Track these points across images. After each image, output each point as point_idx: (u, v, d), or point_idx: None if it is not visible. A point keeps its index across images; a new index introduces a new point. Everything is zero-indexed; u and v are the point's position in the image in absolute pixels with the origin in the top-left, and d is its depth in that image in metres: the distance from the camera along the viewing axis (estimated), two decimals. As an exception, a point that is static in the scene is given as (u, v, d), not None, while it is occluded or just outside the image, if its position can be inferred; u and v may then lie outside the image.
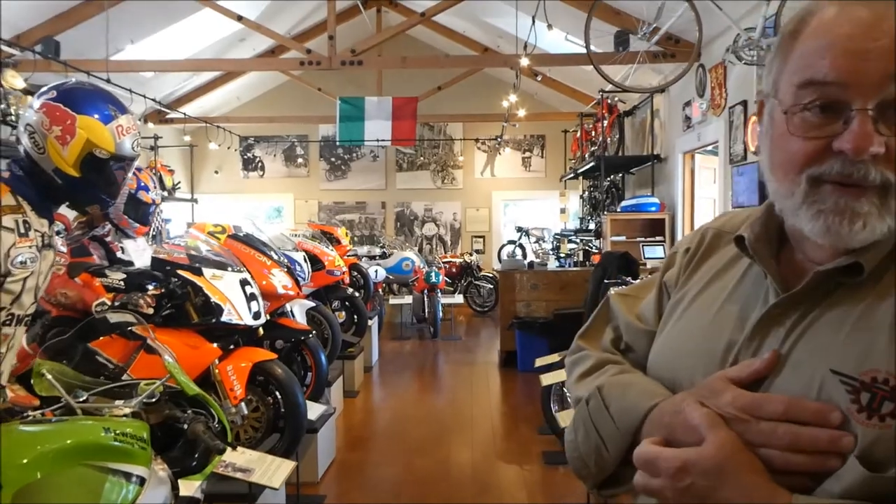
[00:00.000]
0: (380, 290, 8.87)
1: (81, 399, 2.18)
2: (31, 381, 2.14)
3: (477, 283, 11.53)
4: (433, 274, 9.30)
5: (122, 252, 3.71)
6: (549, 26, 5.79)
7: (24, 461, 1.81)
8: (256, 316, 3.42)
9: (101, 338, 3.15)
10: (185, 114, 10.96)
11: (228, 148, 12.47)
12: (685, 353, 0.92)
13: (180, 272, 3.26)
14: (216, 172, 13.31)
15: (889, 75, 0.76)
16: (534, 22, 5.55)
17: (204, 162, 13.20)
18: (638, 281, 1.19)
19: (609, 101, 9.09)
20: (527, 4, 6.83)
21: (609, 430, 0.91)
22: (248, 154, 13.42)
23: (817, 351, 0.78)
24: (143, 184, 3.56)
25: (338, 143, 11.99)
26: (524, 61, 6.31)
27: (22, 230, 1.87)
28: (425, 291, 9.35)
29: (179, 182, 11.39)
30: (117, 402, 2.20)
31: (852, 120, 0.77)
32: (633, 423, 0.88)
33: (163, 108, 10.46)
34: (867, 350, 0.75)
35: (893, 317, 0.75)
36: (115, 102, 1.98)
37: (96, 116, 1.92)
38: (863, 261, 0.78)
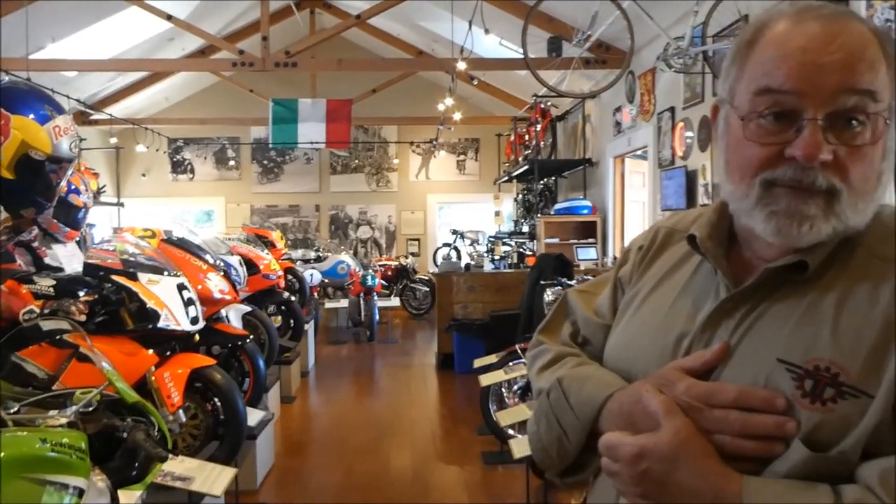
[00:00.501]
0: (315, 294, 8.78)
1: (13, 410, 2.10)
2: (-43, 393, 2.05)
3: (413, 285, 11.55)
4: (369, 277, 9.27)
5: (49, 258, 3.57)
6: (487, 31, 5.86)
7: (-43, 476, 1.74)
8: (194, 321, 3.35)
9: (30, 347, 3.03)
10: (111, 115, 10.61)
11: (157, 150, 12.14)
12: (640, 346, 0.96)
13: (115, 277, 3.16)
14: (143, 175, 12.93)
15: (840, 89, 0.81)
16: (470, 27, 5.62)
17: (130, 165, 12.81)
18: (594, 278, 1.25)
19: (542, 106, 9.26)
20: (463, 9, 6.90)
21: (569, 420, 0.95)
22: (178, 157, 13.08)
23: (765, 342, 0.83)
24: (74, 187, 3.44)
25: (270, 146, 11.83)
26: (461, 65, 6.37)
27: (-48, 235, 1.80)
28: (361, 295, 9.31)
29: (105, 185, 11.01)
30: (51, 413, 2.13)
31: (804, 128, 0.82)
32: (592, 413, 0.92)
33: (86, 109, 10.11)
34: (812, 341, 0.80)
35: (835, 310, 0.81)
36: (51, 102, 1.92)
37: (32, 117, 1.86)
38: (808, 259, 0.84)
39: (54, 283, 3.18)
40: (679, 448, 0.80)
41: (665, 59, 5.03)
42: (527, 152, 9.73)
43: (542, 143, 9.31)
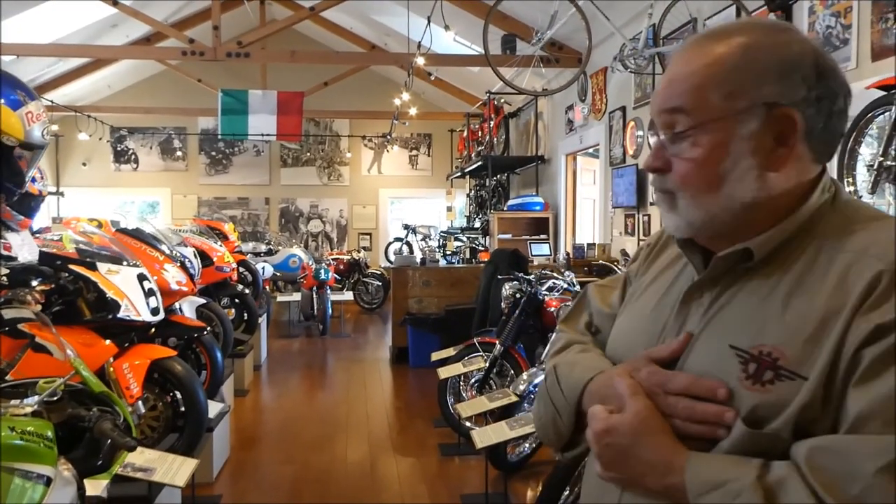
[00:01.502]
0: (267, 287, 8.69)
1: (-28, 400, 2.05)
2: (-86, 383, 2.00)
3: (365, 280, 11.52)
4: (323, 271, 9.22)
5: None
6: (447, 27, 5.89)
7: (-78, 465, 1.70)
8: (155, 312, 3.30)
9: (-17, 336, 2.94)
10: (51, 101, 10.27)
11: (100, 139, 11.81)
12: (632, 334, 1.08)
13: (72, 267, 3.09)
14: (84, 165, 12.56)
15: (657, 111, 0.97)
16: (429, 22, 5.64)
17: (70, 153, 12.42)
18: (615, 274, 1.42)
19: (496, 103, 9.35)
20: (417, 4, 6.92)
21: (561, 401, 1.07)
22: (121, 146, 12.74)
23: (722, 330, 0.92)
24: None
25: (219, 137, 11.63)
26: (420, 60, 6.39)
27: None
28: (314, 288, 9.25)
29: (43, 174, 10.66)
30: (14, 402, 2.09)
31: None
32: (576, 394, 1.04)
33: (26, 95, 9.76)
34: (760, 327, 0.88)
35: (784, 298, 0.88)
36: (23, 88, 1.88)
37: (3, 102, 1.82)
38: (752, 246, 0.92)
39: (7, 272, 3.10)
40: (638, 426, 0.91)
41: (621, 60, 5.15)
42: (480, 148, 9.81)
43: (495, 139, 9.40)
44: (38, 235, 3.86)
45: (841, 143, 1.26)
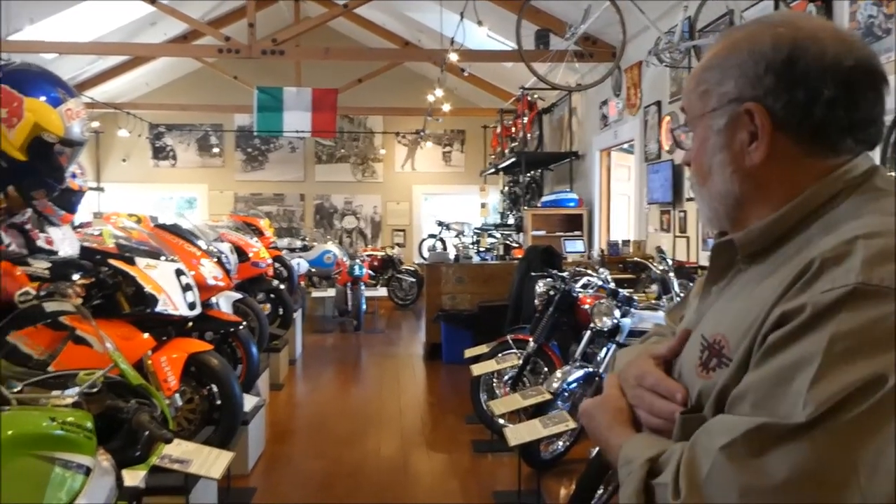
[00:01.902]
0: (301, 282, 8.78)
1: (16, 390, 2.10)
2: (-39, 373, 2.05)
3: (399, 276, 11.56)
4: (357, 267, 9.27)
5: (41, 240, 3.54)
6: (480, 23, 5.87)
7: (-32, 452, 1.74)
8: (192, 306, 3.34)
9: (26, 328, 3.01)
10: (91, 98, 10.47)
11: (139, 136, 12.02)
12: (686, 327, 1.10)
13: (112, 261, 3.15)
14: (124, 160, 12.79)
15: (680, 106, 1.04)
16: (462, 18, 5.62)
17: (111, 149, 12.67)
18: None
19: (529, 99, 9.30)
20: (451, 1, 6.91)
21: None
22: (159, 142, 12.95)
23: (705, 321, 0.97)
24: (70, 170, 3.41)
25: (255, 134, 11.75)
26: (453, 56, 6.38)
27: (-38, 213, 1.79)
28: (348, 284, 9.31)
29: (83, 170, 10.88)
30: (55, 393, 2.14)
31: None
32: None
33: (68, 93, 9.98)
34: (722, 317, 0.92)
35: (747, 289, 0.91)
36: (63, 85, 1.92)
37: (44, 99, 1.86)
38: (735, 239, 0.95)
39: (49, 265, 3.16)
40: (597, 409, 1.04)
41: (656, 54, 5.07)
42: (513, 144, 9.77)
43: (528, 135, 9.35)
44: (79, 230, 3.95)
45: (884, 135, 1.24)
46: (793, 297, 0.80)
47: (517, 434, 3.55)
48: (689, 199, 5.88)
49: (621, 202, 8.21)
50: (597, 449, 3.62)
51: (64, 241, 3.60)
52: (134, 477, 2.37)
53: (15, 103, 1.83)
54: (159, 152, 12.98)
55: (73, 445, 1.90)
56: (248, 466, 4.24)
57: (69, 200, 3.43)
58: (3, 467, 1.80)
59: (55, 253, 3.45)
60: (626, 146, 7.74)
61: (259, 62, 8.84)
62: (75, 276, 3.14)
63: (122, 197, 12.15)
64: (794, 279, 0.82)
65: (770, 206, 0.92)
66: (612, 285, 4.54)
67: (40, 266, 3.16)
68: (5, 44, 7.31)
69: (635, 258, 6.12)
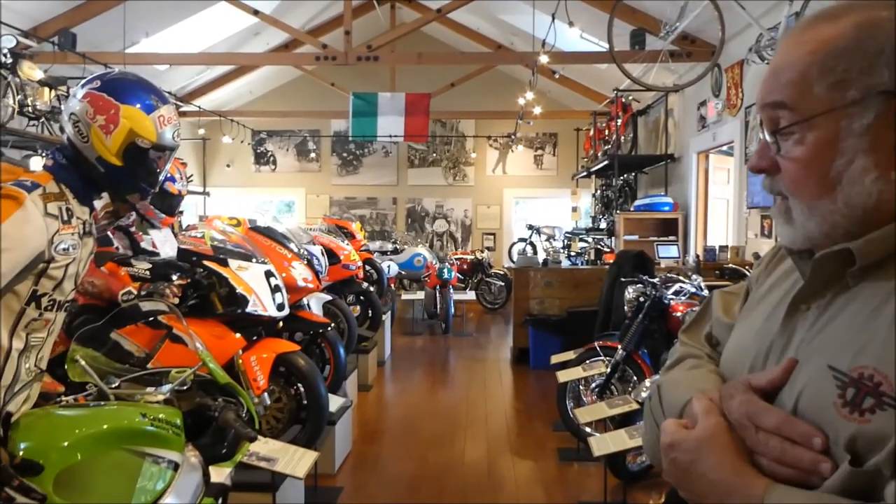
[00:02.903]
0: (392, 285, 8.90)
1: (114, 385, 2.21)
2: (66, 367, 2.17)
3: (488, 279, 11.55)
4: (446, 270, 9.32)
5: (145, 242, 3.73)
6: (571, 24, 5.78)
7: (66, 444, 1.84)
8: (280, 307, 3.44)
9: (128, 326, 3.18)
10: (199, 107, 11.00)
11: (242, 142, 12.52)
12: (740, 351, 0.96)
13: (206, 263, 3.28)
14: (228, 166, 13.36)
15: (761, 105, 0.86)
16: (553, 20, 5.55)
17: (216, 155, 13.25)
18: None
19: (623, 100, 9.09)
20: (543, 4, 6.83)
21: (661, 421, 0.97)
22: (261, 148, 13.46)
23: (824, 347, 0.81)
24: (169, 175, 3.58)
25: (350, 139, 12.02)
26: (543, 58, 6.31)
27: (65, 217, 1.89)
28: (437, 287, 9.37)
29: (192, 175, 11.44)
30: (149, 389, 2.23)
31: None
32: (675, 415, 0.95)
33: (176, 102, 10.50)
34: (863, 347, 0.76)
35: (893, 314, 0.76)
36: (157, 93, 2.00)
37: (139, 106, 1.94)
38: (853, 247, 0.80)
39: (150, 266, 3.33)
40: (703, 442, 0.84)
41: (757, 51, 4.86)
42: (606, 147, 9.57)
43: (622, 137, 9.15)
44: (184, 233, 4.15)
45: None
46: None
47: (602, 444, 3.46)
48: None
49: (719, 206, 7.89)
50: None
51: (165, 244, 3.78)
52: (220, 473, 2.44)
53: (112, 111, 1.92)
54: (260, 158, 13.48)
55: (163, 441, 1.98)
56: (335, 466, 4.32)
57: (169, 204, 3.60)
58: (98, 460, 1.90)
59: (157, 254, 3.63)
60: (725, 148, 7.44)
61: (355, 69, 9.04)
62: (173, 277, 3.29)
63: (225, 201, 12.70)
64: None
65: None
66: (706, 293, 4.36)
67: (142, 267, 3.34)
68: (125, 56, 7.78)
69: (732, 265, 5.87)
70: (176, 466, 2.02)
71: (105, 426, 1.94)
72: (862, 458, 0.73)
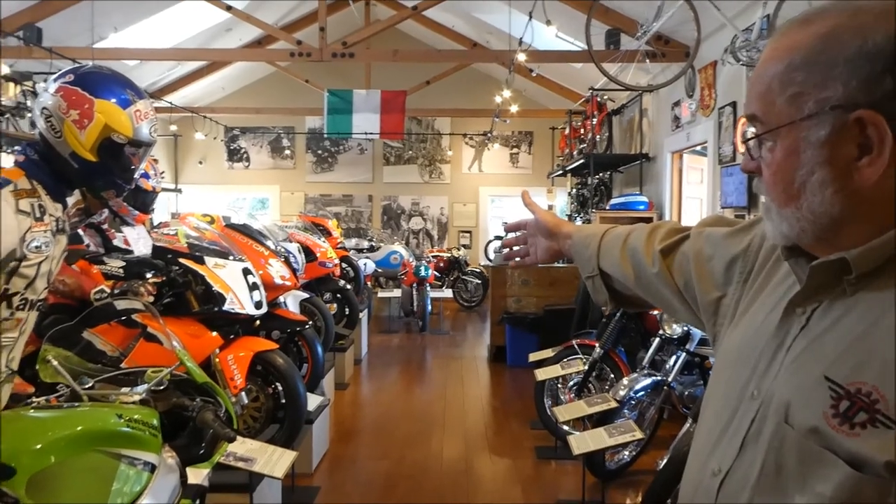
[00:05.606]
0: (368, 283, 8.85)
1: (87, 386, 2.16)
2: (36, 367, 2.12)
3: (464, 277, 11.55)
4: (423, 268, 9.29)
5: (117, 240, 3.66)
6: (548, 22, 5.79)
7: (38, 446, 1.79)
8: (258, 305, 3.40)
9: (100, 325, 3.12)
10: (171, 103, 10.84)
11: (215, 139, 12.37)
12: (744, 345, 0.96)
13: (182, 260, 3.23)
14: (200, 163, 13.19)
15: (745, 115, 0.89)
16: (530, 18, 5.55)
17: (188, 152, 13.07)
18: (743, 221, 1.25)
19: (598, 100, 9.12)
20: (519, 2, 6.83)
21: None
22: (234, 145, 13.31)
23: (821, 354, 0.81)
24: (144, 171, 3.52)
25: (325, 136, 11.94)
26: (521, 56, 6.31)
27: (37, 214, 1.85)
28: (414, 285, 9.34)
29: (164, 171, 11.27)
30: (124, 389, 2.18)
31: None
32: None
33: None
34: (862, 362, 0.76)
35: (879, 326, 0.76)
36: (133, 87, 1.96)
37: (114, 101, 1.90)
38: (848, 257, 0.80)
39: (123, 264, 3.27)
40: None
41: (732, 52, 4.89)
42: (582, 146, 9.61)
43: (597, 136, 9.18)
44: (156, 230, 4.07)
45: None
46: None
47: (581, 442, 3.47)
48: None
49: (693, 206, 7.96)
50: (665, 460, 3.50)
51: (139, 241, 3.71)
52: (198, 475, 2.40)
53: (86, 105, 1.87)
54: (234, 154, 13.34)
55: (139, 442, 1.94)
56: (312, 465, 4.28)
57: (143, 201, 3.53)
58: (72, 462, 1.85)
59: (131, 252, 3.57)
60: (698, 148, 7.51)
61: (330, 65, 8.98)
62: (147, 275, 3.23)
63: (198, 198, 12.54)
64: None
65: (874, 226, 0.79)
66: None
67: (115, 265, 3.27)
68: (93, 51, 7.63)
69: (708, 263, 5.91)
70: (153, 468, 1.97)
71: (79, 428, 1.88)
72: (863, 465, 0.74)
